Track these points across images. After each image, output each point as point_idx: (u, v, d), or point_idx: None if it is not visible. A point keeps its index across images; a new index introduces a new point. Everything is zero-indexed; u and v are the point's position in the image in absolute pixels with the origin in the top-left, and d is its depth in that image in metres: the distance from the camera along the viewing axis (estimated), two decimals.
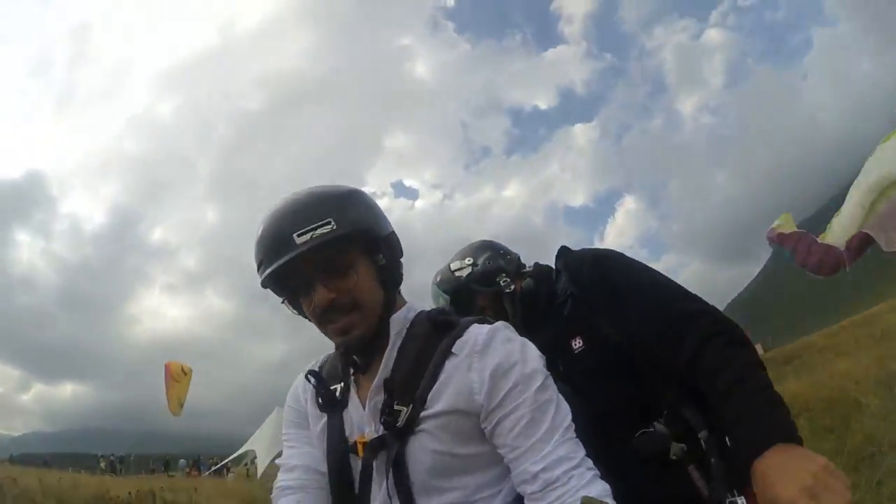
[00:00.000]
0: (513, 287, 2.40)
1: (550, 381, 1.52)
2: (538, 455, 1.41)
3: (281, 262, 1.44)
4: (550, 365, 1.68)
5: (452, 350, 1.52)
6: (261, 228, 1.52)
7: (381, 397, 1.52)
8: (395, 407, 1.49)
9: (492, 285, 2.41)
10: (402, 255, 1.66)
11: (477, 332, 1.53)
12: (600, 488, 1.37)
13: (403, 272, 1.67)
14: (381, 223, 1.60)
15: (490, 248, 2.53)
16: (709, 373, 1.80)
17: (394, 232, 1.64)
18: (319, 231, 1.45)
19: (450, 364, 1.51)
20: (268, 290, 1.56)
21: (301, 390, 1.76)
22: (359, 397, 1.60)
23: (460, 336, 1.54)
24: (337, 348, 1.62)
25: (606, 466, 1.65)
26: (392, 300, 1.61)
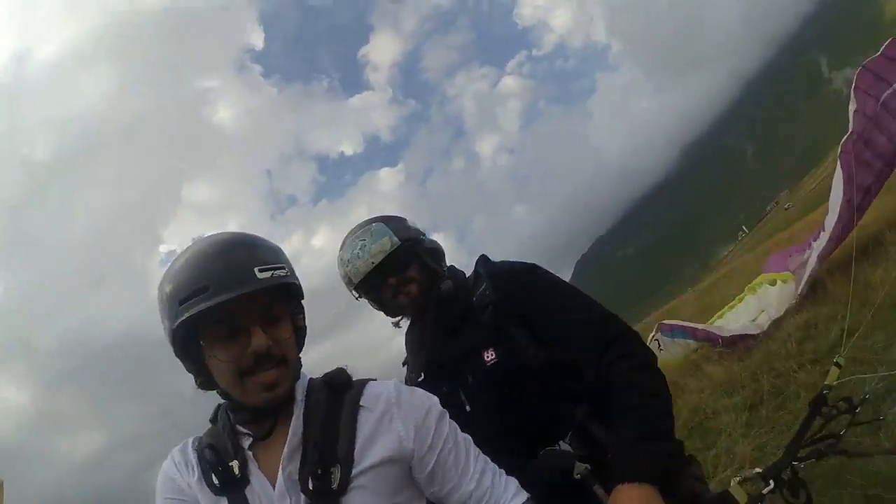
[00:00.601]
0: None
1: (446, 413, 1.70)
2: (469, 474, 1.62)
3: (241, 292, 1.37)
4: (455, 377, 2.19)
5: (362, 404, 1.57)
6: (202, 255, 1.44)
7: (294, 465, 1.48)
8: (329, 470, 1.46)
9: (434, 263, 2.37)
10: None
11: (382, 387, 1.62)
12: (513, 485, 1.67)
13: None
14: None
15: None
16: (613, 392, 1.93)
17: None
18: (278, 273, 1.45)
19: (363, 419, 1.55)
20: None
21: (181, 474, 1.56)
22: (263, 472, 1.50)
23: (363, 392, 1.60)
24: (252, 408, 1.50)
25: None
26: (300, 365, 1.61)
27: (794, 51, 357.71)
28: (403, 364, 2.54)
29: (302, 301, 1.61)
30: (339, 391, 1.61)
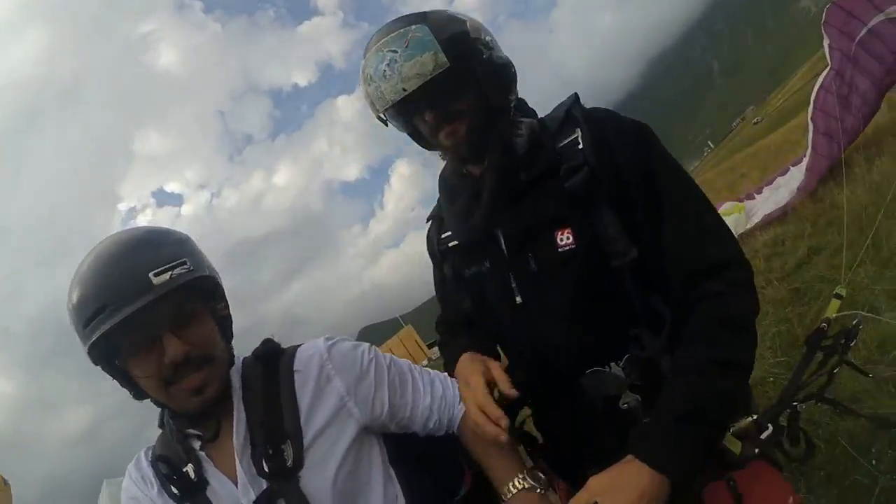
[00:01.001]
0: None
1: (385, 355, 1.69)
2: (421, 391, 1.64)
3: (138, 305, 1.27)
4: (510, 257, 1.66)
5: (296, 369, 1.53)
6: (95, 267, 1.34)
7: (247, 453, 1.43)
8: (279, 448, 1.42)
9: (506, 92, 1.70)
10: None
11: (313, 348, 1.57)
12: (455, 391, 1.66)
13: None
14: (215, 270, 1.51)
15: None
16: (685, 338, 1.49)
17: (217, 278, 1.52)
18: (178, 271, 1.34)
19: (300, 385, 1.50)
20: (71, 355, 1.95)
21: (141, 490, 1.50)
22: (220, 470, 1.45)
23: (294, 357, 1.55)
24: (186, 414, 1.46)
25: (545, 409, 1.76)
26: (232, 353, 1.55)
27: None
28: (428, 220, 2.00)
29: (220, 289, 1.53)
30: (272, 363, 1.56)
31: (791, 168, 9.47)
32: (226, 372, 1.49)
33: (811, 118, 8.38)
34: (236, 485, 1.43)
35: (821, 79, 8.23)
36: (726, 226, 1.61)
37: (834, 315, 2.28)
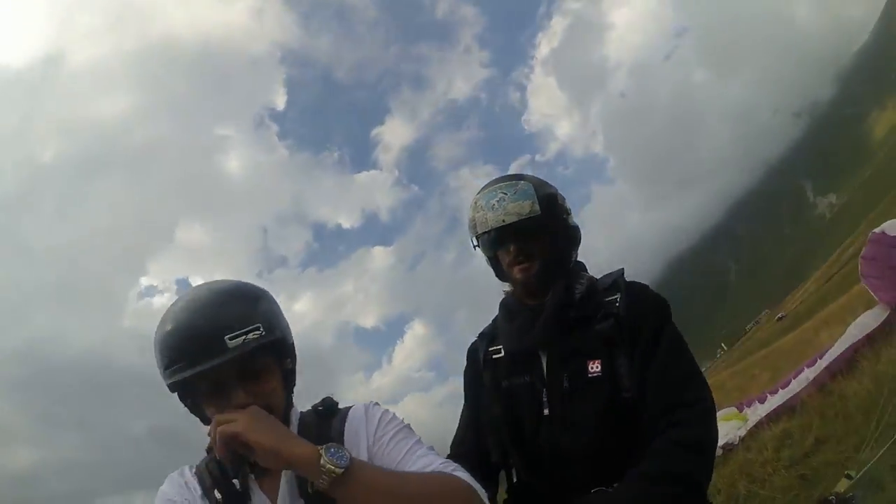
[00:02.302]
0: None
1: (412, 429, 1.76)
2: (414, 456, 1.64)
3: (211, 364, 1.45)
4: (549, 375, 2.12)
5: (345, 428, 1.70)
6: (177, 322, 1.51)
7: (293, 479, 1.58)
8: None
9: (564, 225, 2.27)
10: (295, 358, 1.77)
11: (359, 408, 1.75)
12: (452, 468, 1.62)
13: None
14: (288, 327, 1.70)
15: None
16: (650, 452, 1.86)
17: (291, 337, 1.72)
18: (251, 336, 1.50)
19: (348, 435, 1.68)
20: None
21: (181, 494, 1.62)
22: (263, 492, 1.59)
23: (346, 414, 1.73)
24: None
25: None
26: (291, 403, 1.73)
27: (780, 174, 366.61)
28: (480, 336, 2.45)
29: (289, 347, 1.70)
30: (328, 416, 1.73)
31: (805, 369, 9.64)
32: (281, 419, 1.58)
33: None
34: (275, 502, 1.58)
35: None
36: (704, 379, 2.09)
37: (842, 490, 2.43)
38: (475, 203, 2.24)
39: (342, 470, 1.40)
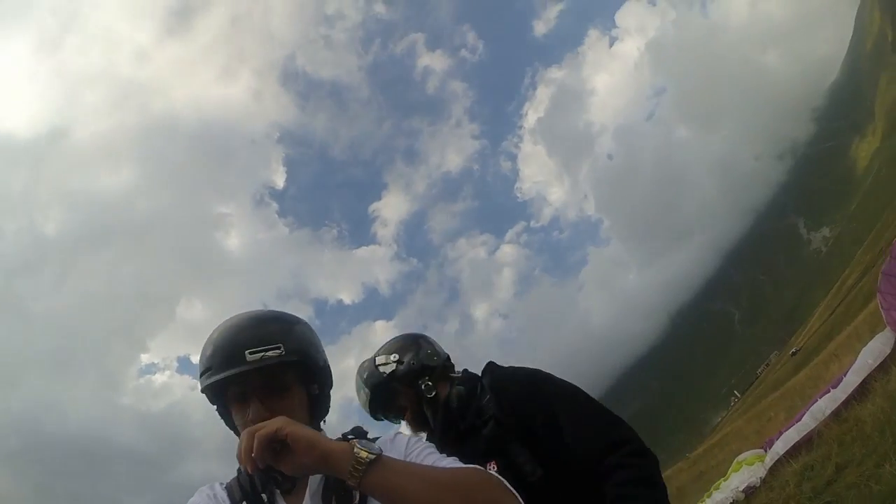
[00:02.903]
0: (434, 392, 2.52)
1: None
2: (447, 460, 1.72)
3: (228, 373, 1.65)
4: None
5: None
6: (214, 337, 1.72)
7: (317, 497, 1.67)
8: (351, 492, 1.64)
9: (413, 386, 2.54)
10: (331, 388, 1.90)
11: (388, 436, 1.85)
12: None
13: (330, 405, 1.90)
14: (320, 355, 1.84)
15: (418, 346, 2.63)
16: (610, 496, 2.00)
17: (328, 365, 1.88)
18: (270, 353, 1.67)
19: None
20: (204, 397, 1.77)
21: (206, 502, 1.73)
22: None
23: (375, 441, 1.76)
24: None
25: None
26: (317, 428, 1.79)
27: (771, 216, 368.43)
28: None
29: (315, 372, 1.81)
30: None
31: (819, 399, 9.55)
32: None
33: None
34: None
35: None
36: (619, 417, 2.25)
37: None
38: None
39: (374, 455, 1.48)
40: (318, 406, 1.84)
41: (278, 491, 1.70)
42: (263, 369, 1.68)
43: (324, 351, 1.89)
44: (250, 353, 1.67)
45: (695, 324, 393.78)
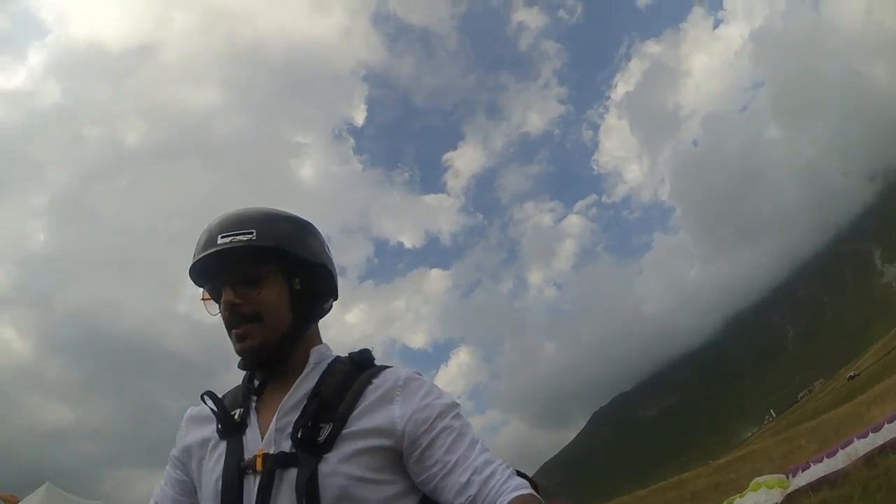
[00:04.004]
0: None
1: (462, 412, 1.74)
2: (467, 463, 1.62)
3: (201, 255, 1.68)
4: None
5: (372, 381, 1.71)
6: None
7: (291, 417, 1.65)
8: (320, 425, 1.61)
9: None
10: (331, 294, 1.87)
11: (397, 372, 1.74)
12: (519, 482, 1.61)
13: (329, 310, 1.88)
14: (311, 252, 1.78)
15: None
16: None
17: (326, 267, 1.82)
18: (238, 237, 1.67)
19: (370, 393, 1.68)
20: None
21: (185, 422, 1.85)
22: (259, 423, 1.69)
23: (379, 373, 1.74)
24: (240, 359, 1.73)
25: None
26: (301, 328, 1.77)
27: (848, 239, 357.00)
28: None
29: (300, 267, 1.76)
30: (360, 367, 1.76)
31: (855, 440, 9.56)
32: (276, 336, 1.71)
33: None
34: (263, 438, 1.66)
35: None
36: None
37: None
38: None
39: None
40: (302, 304, 1.77)
41: (254, 405, 1.73)
42: (234, 254, 1.68)
43: (320, 251, 1.83)
44: (221, 237, 1.68)
45: (748, 331, 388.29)
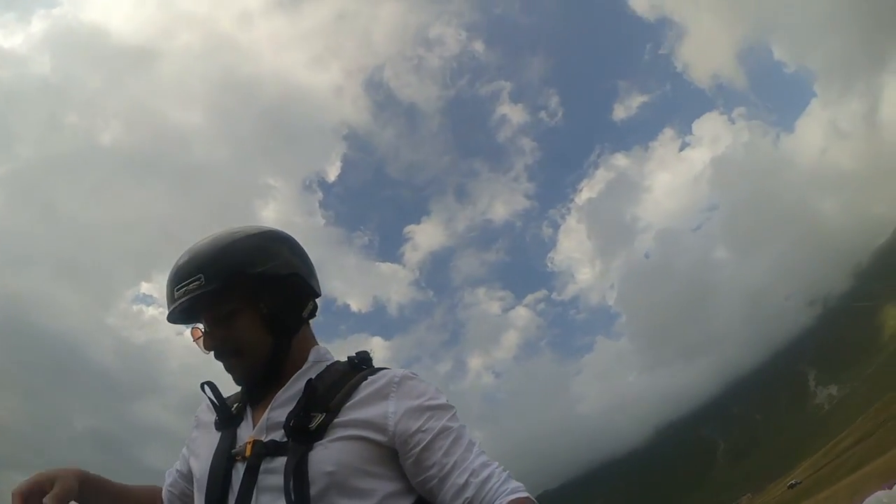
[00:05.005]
0: None
1: (458, 414, 1.72)
2: (465, 465, 1.60)
3: (168, 311, 1.71)
4: None
5: (368, 377, 1.72)
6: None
7: (285, 409, 1.66)
8: (311, 414, 1.61)
9: None
10: (298, 300, 1.83)
11: (394, 371, 1.76)
12: (516, 484, 1.59)
13: (304, 314, 1.85)
14: (274, 265, 1.74)
15: None
16: None
17: (293, 275, 1.79)
18: (188, 287, 1.65)
19: (365, 387, 1.69)
20: None
21: (196, 414, 1.93)
22: (254, 415, 1.73)
23: (376, 372, 1.76)
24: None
25: None
26: (283, 345, 1.76)
27: (784, 359, 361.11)
28: None
29: (262, 290, 1.75)
30: (357, 368, 1.79)
31: None
32: (260, 362, 1.74)
33: None
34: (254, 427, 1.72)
35: None
36: None
37: None
38: None
39: None
40: (275, 323, 1.77)
41: (248, 404, 1.79)
42: (194, 302, 1.69)
43: (286, 258, 1.81)
44: (176, 291, 1.69)
45: (679, 442, 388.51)
